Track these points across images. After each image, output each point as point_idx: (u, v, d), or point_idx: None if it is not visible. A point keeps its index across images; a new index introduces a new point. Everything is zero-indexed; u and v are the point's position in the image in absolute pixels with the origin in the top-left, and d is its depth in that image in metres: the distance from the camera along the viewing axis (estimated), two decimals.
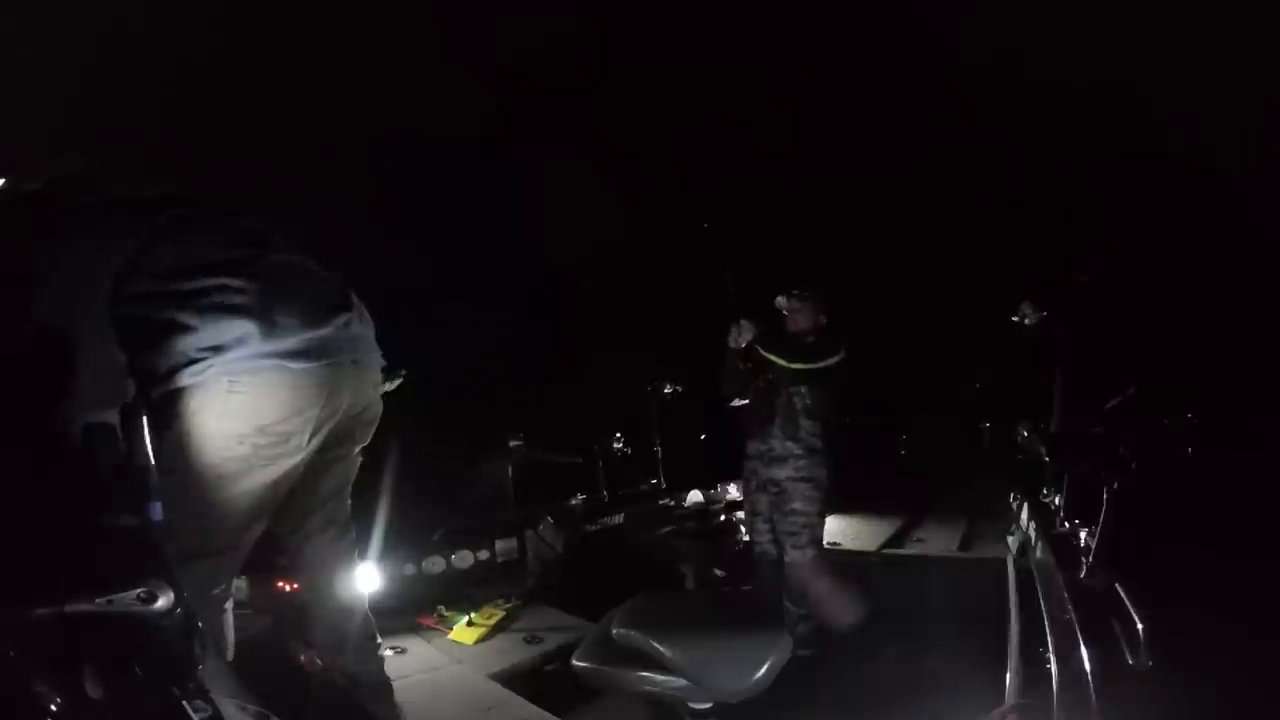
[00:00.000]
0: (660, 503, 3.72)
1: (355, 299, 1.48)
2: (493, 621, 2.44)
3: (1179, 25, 4.16)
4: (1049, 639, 1.28)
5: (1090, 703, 0.95)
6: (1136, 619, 1.00)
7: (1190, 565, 1.51)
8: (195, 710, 0.72)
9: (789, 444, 2.63)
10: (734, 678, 1.27)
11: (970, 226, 6.14)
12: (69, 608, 0.70)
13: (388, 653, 1.97)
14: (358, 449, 1.62)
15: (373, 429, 1.62)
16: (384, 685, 1.70)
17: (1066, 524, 1.61)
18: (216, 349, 1.20)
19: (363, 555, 1.81)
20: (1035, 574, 1.69)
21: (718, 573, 3.28)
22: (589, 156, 5.01)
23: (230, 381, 1.21)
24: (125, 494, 0.86)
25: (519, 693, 1.95)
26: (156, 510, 0.87)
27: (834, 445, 2.68)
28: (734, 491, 3.71)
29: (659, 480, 3.89)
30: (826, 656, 2.47)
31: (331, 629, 1.62)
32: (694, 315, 3.39)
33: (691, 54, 5.06)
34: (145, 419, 0.92)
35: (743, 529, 3.38)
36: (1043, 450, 1.84)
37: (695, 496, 3.79)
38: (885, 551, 3.21)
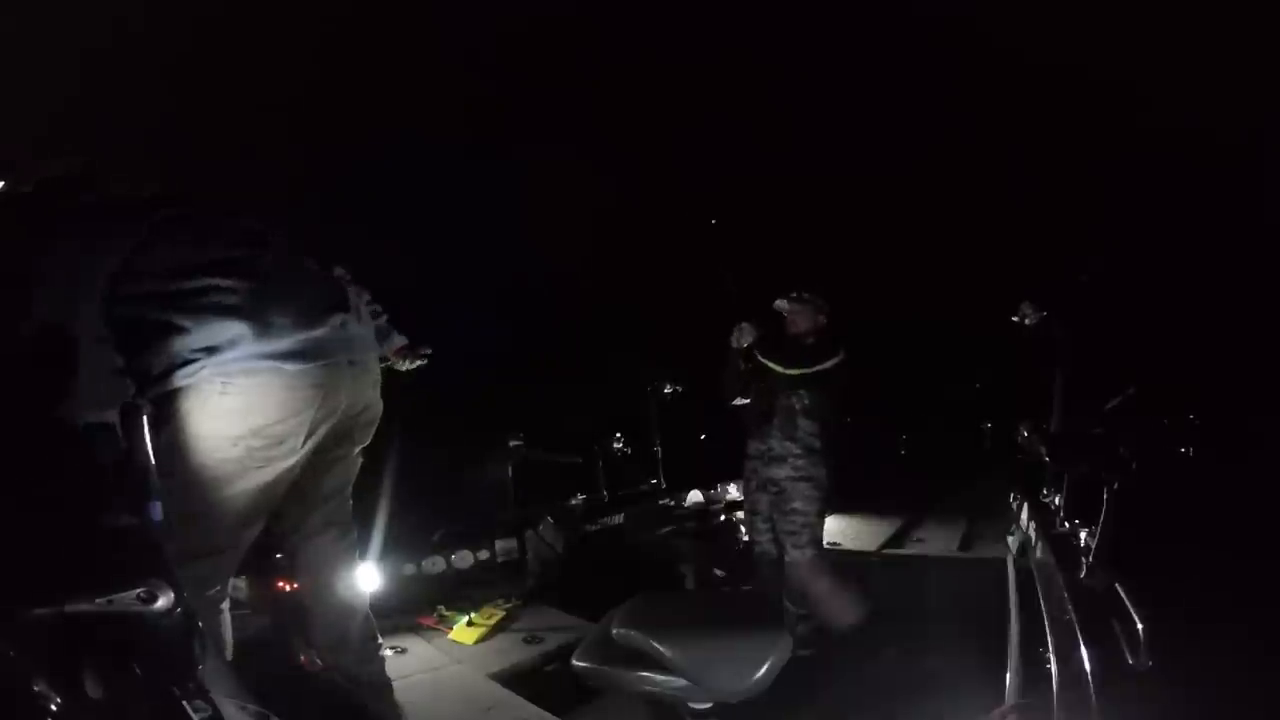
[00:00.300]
0: (660, 503, 3.72)
1: (355, 299, 1.47)
2: (493, 621, 2.44)
3: (1179, 25, 4.16)
4: (1049, 639, 1.28)
5: (1090, 703, 0.95)
6: (1136, 619, 1.00)
7: (1190, 565, 1.51)
8: (195, 710, 0.72)
9: (788, 444, 2.63)
10: (734, 678, 1.26)
11: (970, 226, 6.15)
12: (69, 608, 0.70)
13: (388, 653, 1.97)
14: (358, 449, 1.62)
15: (373, 429, 1.61)
16: (384, 685, 1.70)
17: (1066, 524, 1.60)
18: (209, 350, 1.19)
19: (363, 555, 1.80)
20: (1035, 574, 1.69)
21: (718, 573, 3.27)
22: (590, 156, 5.02)
23: (224, 383, 1.21)
24: (125, 494, 0.86)
25: (519, 693, 1.95)
26: (156, 510, 0.87)
27: (834, 445, 2.68)
28: (734, 491, 3.71)
29: (659, 480, 3.89)
30: (826, 656, 2.47)
31: (332, 629, 1.62)
32: (694, 315, 3.39)
33: (692, 53, 5.06)
34: (145, 419, 0.92)
35: (743, 529, 3.38)
36: (1043, 450, 1.84)
37: (695, 496, 3.78)
38: (885, 551, 3.21)
